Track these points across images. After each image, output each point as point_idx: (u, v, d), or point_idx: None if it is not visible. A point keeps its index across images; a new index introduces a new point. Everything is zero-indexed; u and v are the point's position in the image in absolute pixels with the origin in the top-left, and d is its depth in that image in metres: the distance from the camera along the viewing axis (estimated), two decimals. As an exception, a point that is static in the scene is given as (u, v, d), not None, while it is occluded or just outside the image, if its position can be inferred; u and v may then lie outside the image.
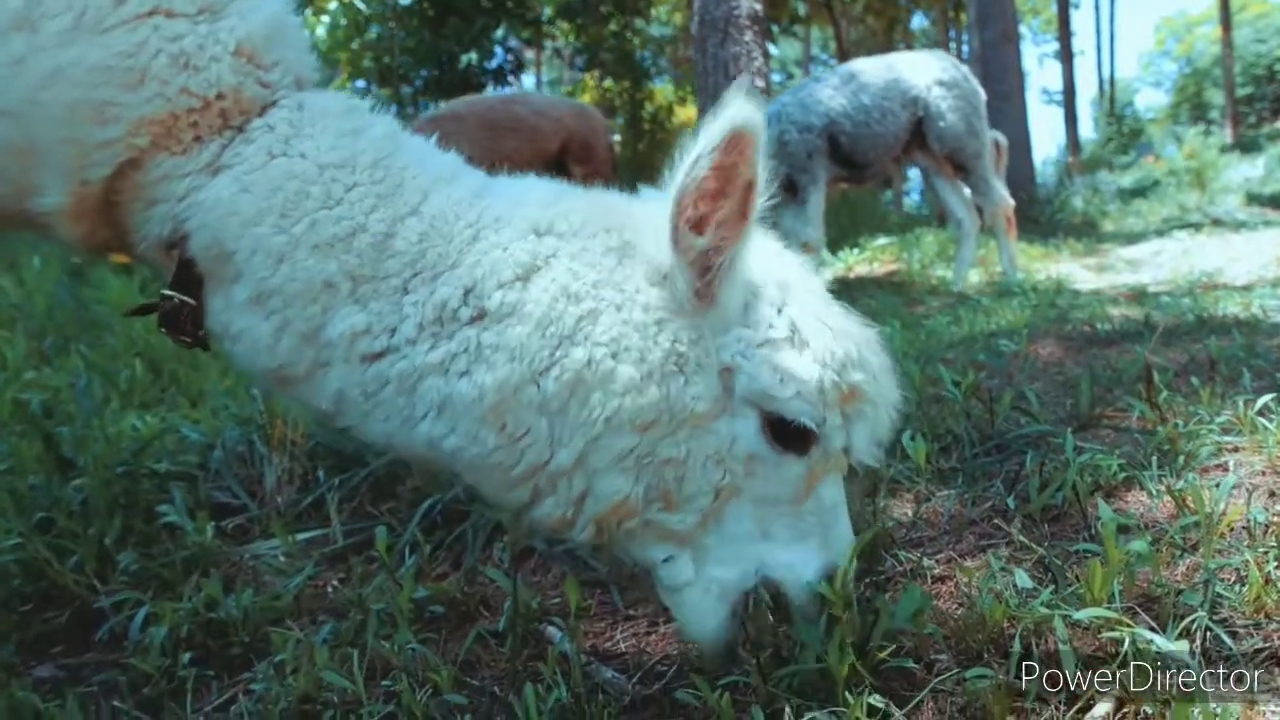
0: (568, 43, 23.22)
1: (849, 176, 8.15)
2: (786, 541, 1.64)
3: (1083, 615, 1.48)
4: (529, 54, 28.01)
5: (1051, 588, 1.67)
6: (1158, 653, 1.42)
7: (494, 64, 17.83)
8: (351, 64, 17.98)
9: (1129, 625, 1.43)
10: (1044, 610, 1.57)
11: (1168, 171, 19.24)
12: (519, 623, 2.13)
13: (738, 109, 1.45)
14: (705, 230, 1.53)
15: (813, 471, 1.63)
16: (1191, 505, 1.89)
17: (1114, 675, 1.43)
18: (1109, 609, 1.52)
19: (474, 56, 16.88)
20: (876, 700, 1.48)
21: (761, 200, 1.54)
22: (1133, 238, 11.89)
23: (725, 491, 1.59)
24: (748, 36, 10.30)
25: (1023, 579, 1.70)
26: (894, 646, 1.60)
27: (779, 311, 1.60)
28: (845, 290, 8.64)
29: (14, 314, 5.89)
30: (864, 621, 1.57)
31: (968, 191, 8.10)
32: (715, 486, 1.58)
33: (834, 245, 11.57)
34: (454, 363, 1.59)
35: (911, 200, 25.57)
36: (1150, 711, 1.36)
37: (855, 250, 11.36)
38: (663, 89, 25.82)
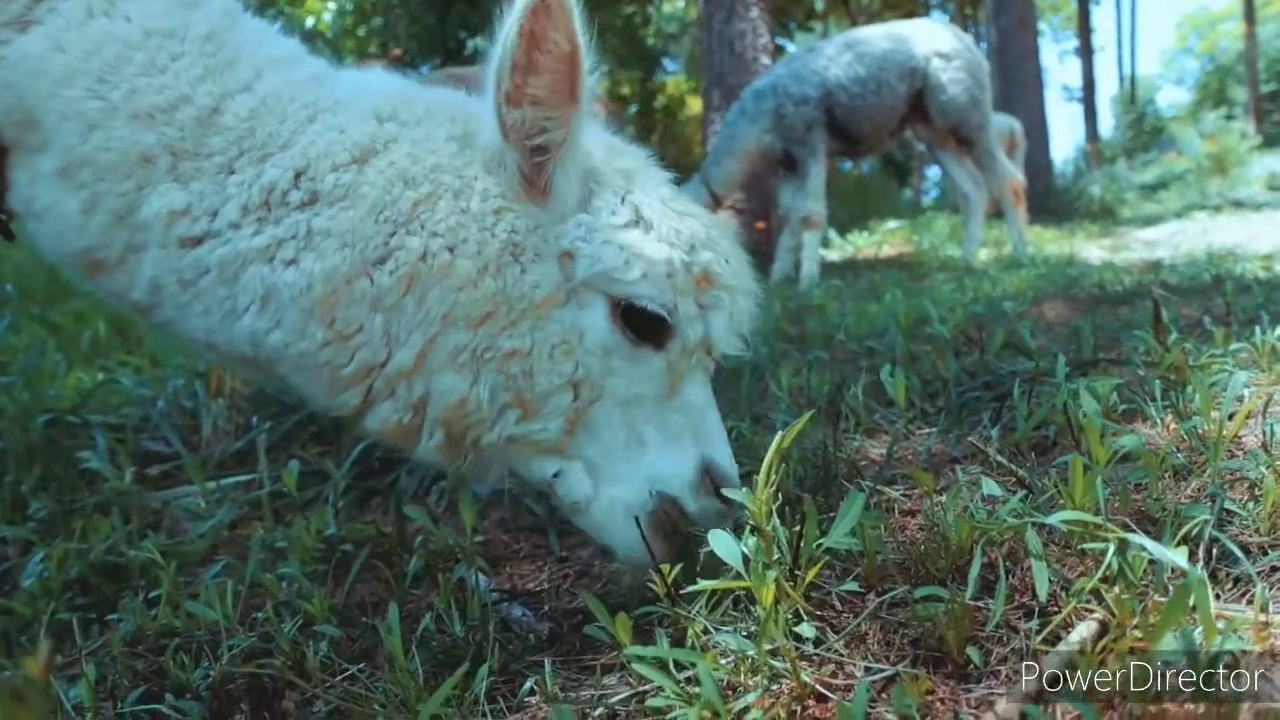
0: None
1: (845, 150, 7.81)
2: (660, 445, 1.55)
3: (1055, 519, 1.20)
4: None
5: (1023, 493, 1.40)
6: (1151, 562, 1.15)
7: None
8: (357, 51, 17.77)
9: (1114, 531, 1.15)
10: (1013, 521, 1.30)
11: (1191, 164, 18.78)
12: (429, 559, 1.90)
13: None
14: (521, 103, 1.46)
15: (674, 367, 1.56)
16: (1197, 412, 1.61)
17: (1097, 594, 1.17)
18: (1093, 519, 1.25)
19: (480, 42, 16.62)
20: (807, 629, 1.23)
21: (591, 80, 1.48)
22: (1150, 220, 11.53)
23: (584, 389, 1.51)
24: (753, 13, 10.05)
25: (990, 487, 1.43)
26: (834, 568, 1.35)
27: (622, 199, 1.55)
28: (850, 267, 8.37)
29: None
30: (792, 536, 1.30)
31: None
32: (569, 380, 1.50)
33: (844, 229, 11.31)
34: (281, 249, 1.45)
35: (930, 199, 25.21)
36: (1141, 635, 1.09)
37: (865, 233, 11.07)
38: (675, 80, 25.48)
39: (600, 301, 1.51)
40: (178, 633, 1.64)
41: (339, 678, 1.43)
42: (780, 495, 1.33)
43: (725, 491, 1.31)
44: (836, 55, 7.42)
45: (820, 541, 1.29)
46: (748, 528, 1.29)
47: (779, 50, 11.28)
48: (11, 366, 3.76)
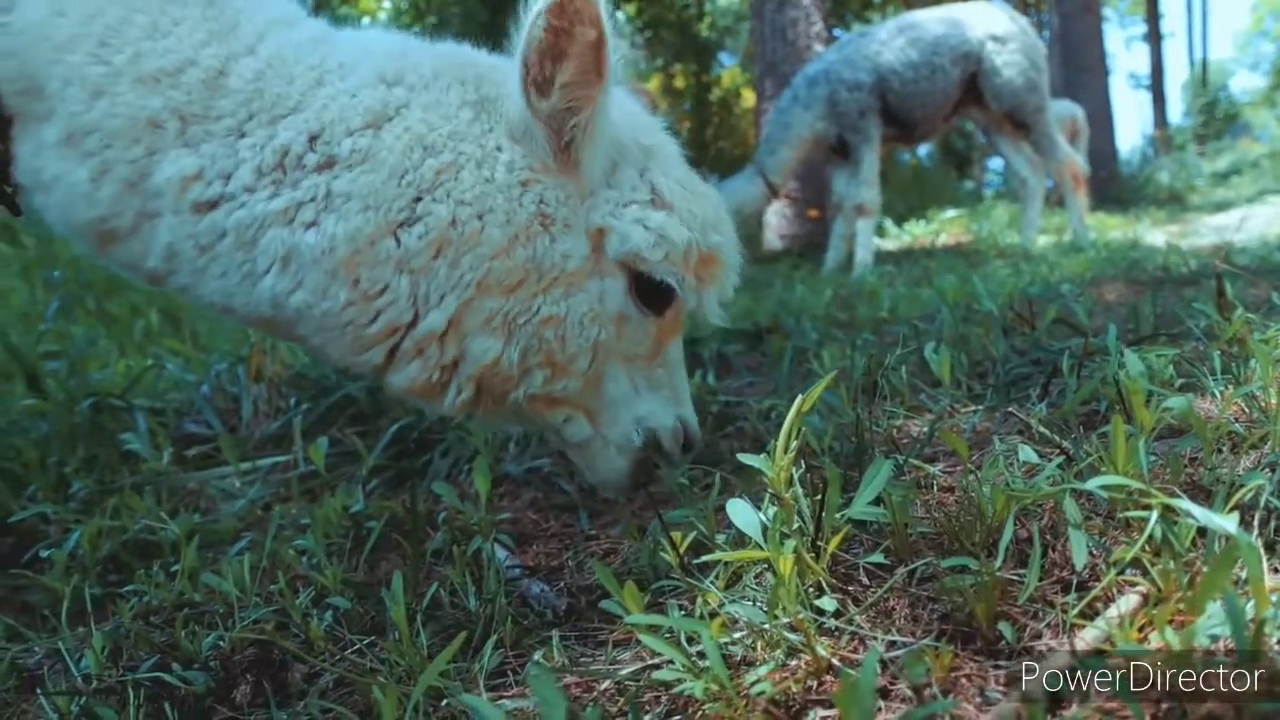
0: (628, 20, 22.75)
1: (898, 136, 7.64)
2: (647, 393, 1.74)
3: (1094, 484, 1.12)
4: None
5: (1061, 459, 1.31)
6: (1200, 533, 1.06)
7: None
8: (414, 49, 17.95)
9: (1158, 495, 1.06)
10: (1049, 489, 1.21)
11: (1266, 151, 18.07)
12: (454, 536, 1.86)
13: None
14: (550, 93, 1.48)
15: (662, 330, 1.71)
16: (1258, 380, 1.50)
17: (1141, 568, 1.08)
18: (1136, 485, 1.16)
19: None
20: (828, 602, 1.16)
21: (616, 57, 1.50)
22: (1221, 206, 11.12)
23: (601, 351, 1.63)
24: (805, 1, 9.92)
25: (1027, 454, 1.34)
26: (862, 542, 1.27)
27: (641, 175, 1.62)
28: (906, 255, 8.20)
29: (39, 270, 5.85)
30: (814, 505, 1.23)
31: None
32: (592, 345, 1.61)
33: (901, 219, 11.11)
34: (300, 212, 1.47)
35: (991, 189, 24.71)
36: (1185, 608, 1.00)
37: (922, 223, 10.86)
38: (730, 72, 25.25)
39: (622, 274, 1.61)
40: (194, 605, 1.63)
41: (349, 651, 1.40)
42: (803, 464, 1.27)
43: (742, 457, 1.25)
44: (889, 40, 7.27)
45: (843, 511, 1.21)
46: (767, 496, 1.22)
47: (834, 39, 11.09)
48: (63, 354, 3.82)
